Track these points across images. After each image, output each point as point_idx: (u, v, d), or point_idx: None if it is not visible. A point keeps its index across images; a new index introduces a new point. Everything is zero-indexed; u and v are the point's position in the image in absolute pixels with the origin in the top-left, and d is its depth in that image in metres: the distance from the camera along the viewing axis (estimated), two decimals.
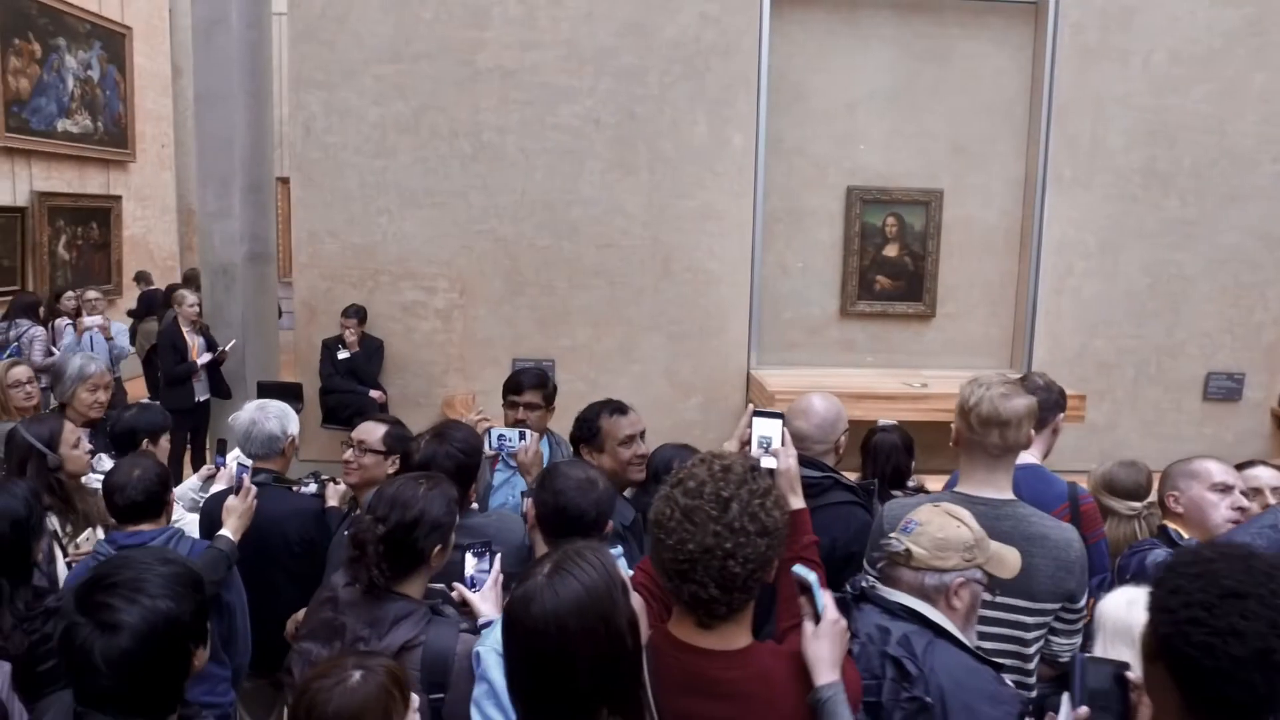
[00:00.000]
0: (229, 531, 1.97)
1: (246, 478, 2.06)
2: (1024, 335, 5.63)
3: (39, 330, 5.22)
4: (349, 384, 5.24)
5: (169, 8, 10.36)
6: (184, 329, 5.21)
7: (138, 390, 7.33)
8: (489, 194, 5.37)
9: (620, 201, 5.39)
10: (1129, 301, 5.61)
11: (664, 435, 3.26)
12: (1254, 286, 5.61)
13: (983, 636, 1.61)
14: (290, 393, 5.40)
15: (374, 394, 5.27)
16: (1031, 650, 1.67)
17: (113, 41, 9.12)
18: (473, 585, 1.79)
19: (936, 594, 1.52)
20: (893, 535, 1.58)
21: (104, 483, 2.10)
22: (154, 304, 7.67)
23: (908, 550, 1.54)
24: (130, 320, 8.24)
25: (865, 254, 5.61)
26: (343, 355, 5.23)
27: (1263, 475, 2.07)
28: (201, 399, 5.27)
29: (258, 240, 5.56)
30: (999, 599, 1.63)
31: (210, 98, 5.29)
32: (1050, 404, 2.39)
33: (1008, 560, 1.57)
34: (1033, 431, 2.19)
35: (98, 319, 5.42)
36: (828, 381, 5.22)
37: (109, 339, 5.50)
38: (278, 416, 2.37)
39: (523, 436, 2.44)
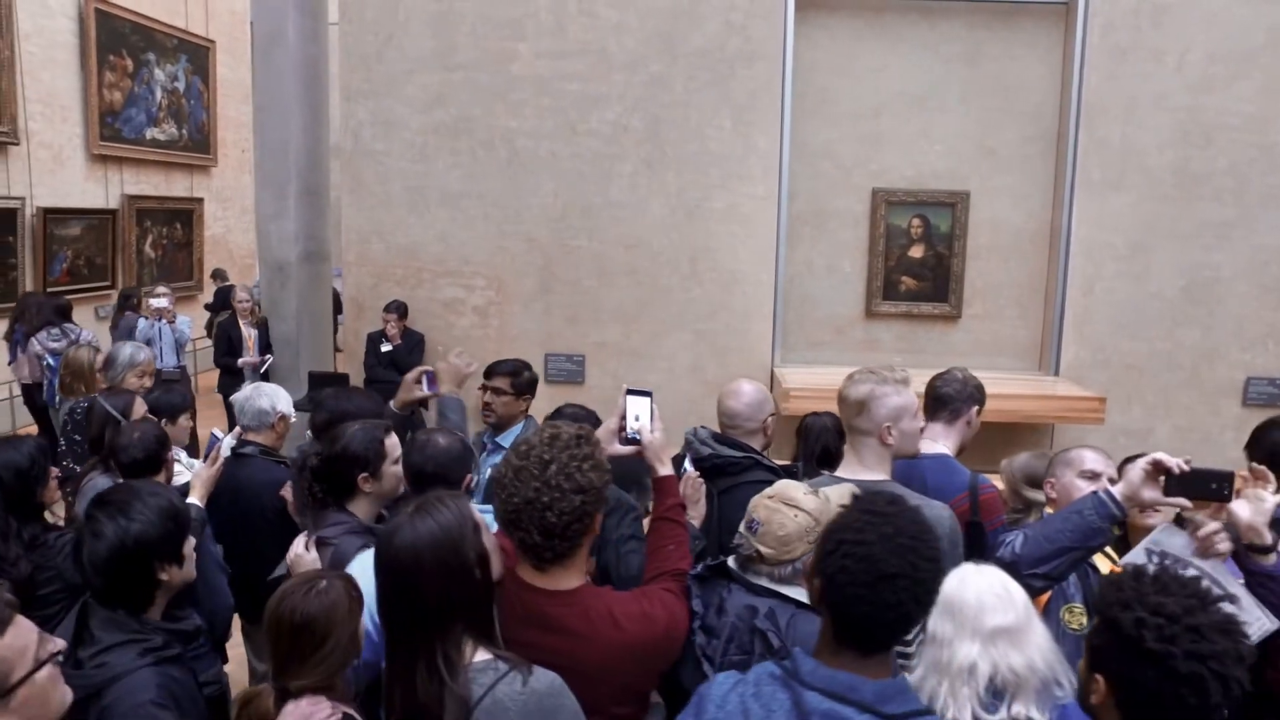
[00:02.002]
0: (195, 499, 2.28)
1: (219, 448, 2.36)
2: (1052, 337, 5.61)
3: (88, 332, 5.82)
4: (391, 375, 5.59)
5: (250, 21, 11.06)
6: (240, 322, 5.66)
7: (210, 382, 7.89)
8: (523, 197, 5.65)
9: (648, 204, 5.60)
10: (1162, 304, 5.53)
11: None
12: None
13: None
14: (338, 383, 5.85)
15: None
16: None
17: (198, 55, 9.81)
18: None
19: (795, 576, 1.70)
20: (742, 533, 1.75)
21: (110, 442, 2.46)
22: (228, 299, 8.26)
23: (758, 552, 1.72)
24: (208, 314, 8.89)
25: (890, 255, 5.68)
26: (385, 348, 5.60)
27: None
28: None
29: (312, 240, 5.97)
30: None
31: (269, 108, 5.72)
32: (965, 397, 2.50)
33: None
34: (946, 424, 2.33)
35: (164, 301, 5.95)
36: (838, 379, 5.34)
37: (171, 323, 6.03)
38: (269, 395, 2.69)
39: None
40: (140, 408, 2.76)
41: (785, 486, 1.78)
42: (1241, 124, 5.34)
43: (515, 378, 2.96)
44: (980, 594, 1.46)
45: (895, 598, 1.23)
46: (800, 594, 1.67)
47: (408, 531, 1.44)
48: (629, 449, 1.87)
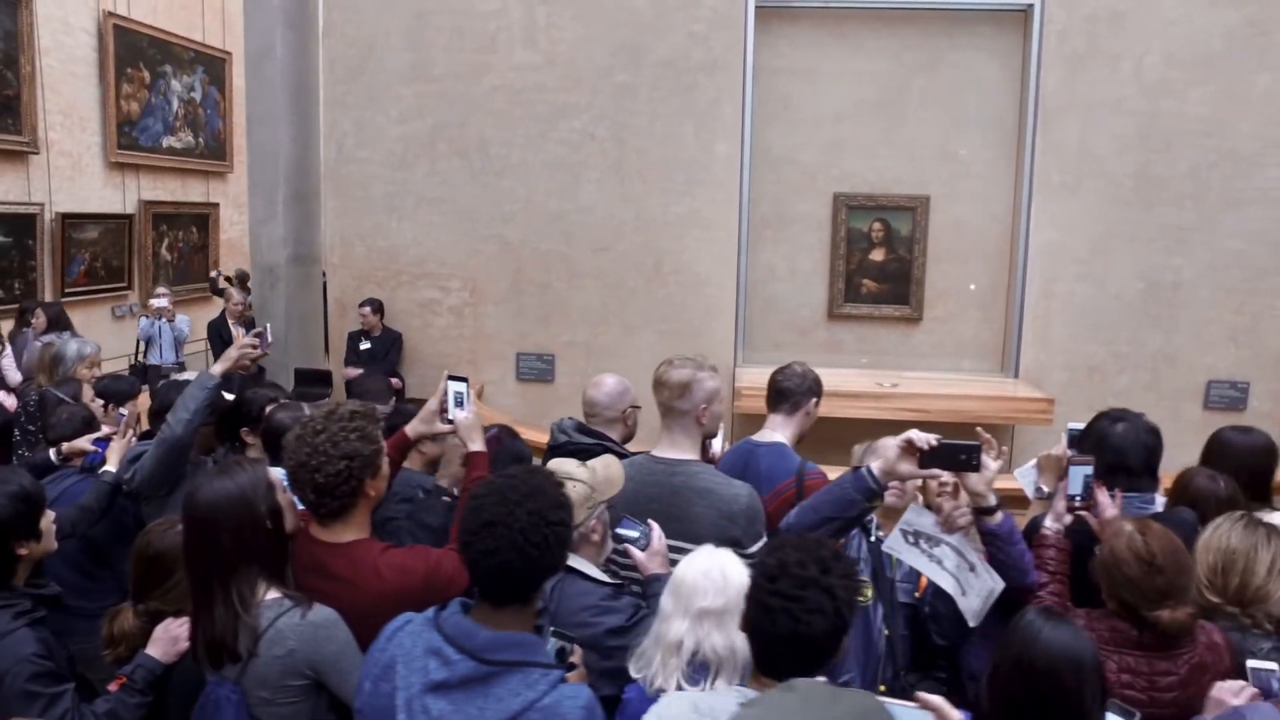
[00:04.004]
0: (110, 465, 2.55)
1: (126, 421, 2.66)
2: (1012, 340, 5.69)
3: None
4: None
5: None
6: (230, 321, 5.97)
7: None
8: (496, 202, 5.88)
9: (614, 209, 5.80)
10: (1123, 307, 5.59)
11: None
12: (1260, 293, 5.48)
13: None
14: (321, 379, 6.14)
15: (393, 381, 5.86)
16: None
17: (214, 66, 10.21)
18: None
19: (580, 541, 1.88)
20: None
21: (43, 423, 2.75)
22: None
23: None
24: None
25: (851, 258, 5.81)
26: (364, 346, 5.86)
27: None
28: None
29: (301, 243, 6.26)
30: (672, 542, 1.97)
31: (259, 119, 6.03)
32: (804, 390, 2.66)
33: (614, 477, 1.94)
34: (786, 415, 2.50)
35: (163, 301, 6.30)
36: None
37: (171, 321, 6.37)
38: None
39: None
40: (88, 394, 3.05)
41: (560, 463, 1.98)
42: (1201, 128, 5.38)
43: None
44: (697, 576, 1.62)
45: (494, 544, 1.38)
46: (574, 560, 1.85)
47: (207, 490, 1.69)
48: (448, 428, 2.10)
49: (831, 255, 5.82)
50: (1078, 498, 2.10)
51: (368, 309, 5.83)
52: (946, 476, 1.92)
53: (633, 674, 1.64)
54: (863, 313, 5.86)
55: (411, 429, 2.12)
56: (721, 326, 5.82)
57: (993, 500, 1.90)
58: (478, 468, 2.02)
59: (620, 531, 2.00)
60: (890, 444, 1.89)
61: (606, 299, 5.89)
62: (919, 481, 2.05)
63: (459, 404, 2.11)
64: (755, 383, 5.35)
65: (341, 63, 5.92)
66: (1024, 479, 2.54)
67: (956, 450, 1.85)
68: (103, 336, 8.38)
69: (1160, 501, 2.35)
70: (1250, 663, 1.73)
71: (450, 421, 2.10)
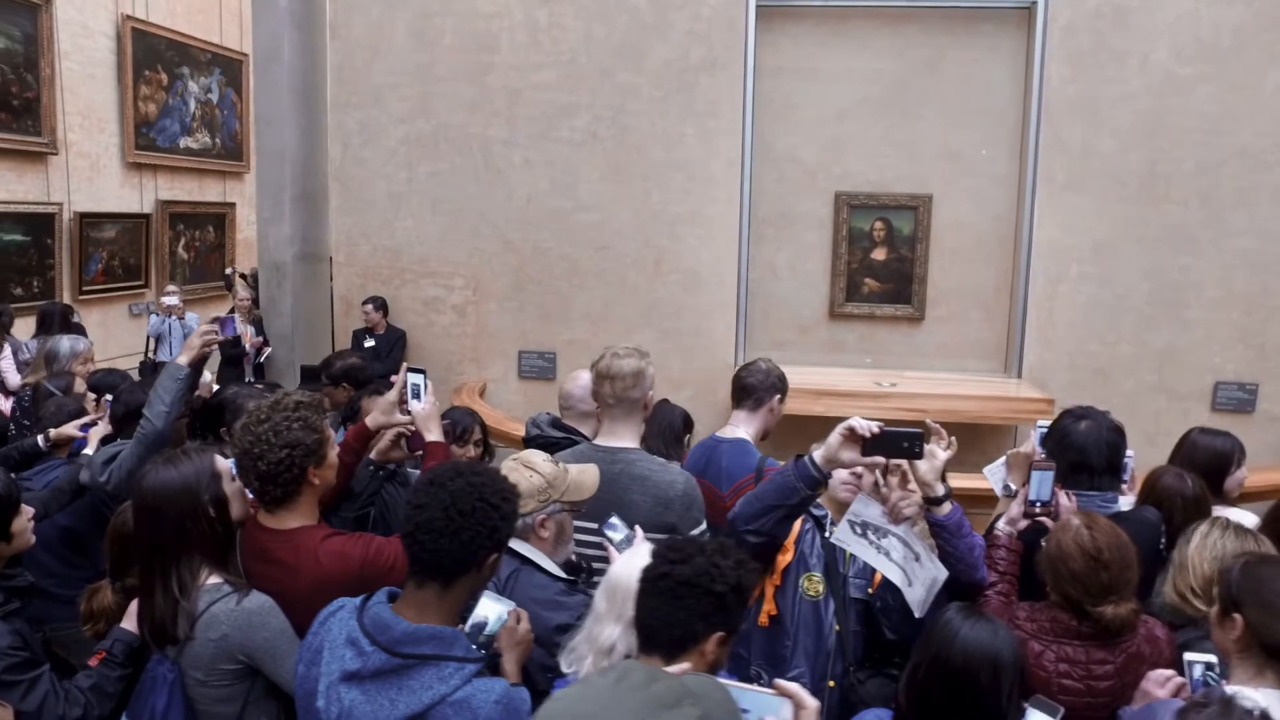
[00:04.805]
0: (90, 450, 2.64)
1: (106, 406, 2.76)
2: (1015, 339, 5.64)
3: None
4: (372, 367, 5.92)
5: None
6: (237, 318, 6.07)
7: None
8: (498, 201, 5.93)
9: (615, 208, 5.82)
10: (1128, 307, 5.51)
11: None
12: (1269, 293, 5.39)
13: (603, 561, 1.96)
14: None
15: (394, 379, 5.92)
16: None
17: (230, 68, 10.36)
18: None
19: (526, 531, 1.89)
20: None
21: (35, 414, 2.84)
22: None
23: None
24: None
25: (853, 257, 5.78)
26: (369, 343, 5.93)
27: None
28: (249, 380, 6.13)
29: (308, 242, 6.34)
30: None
31: (267, 119, 6.12)
32: (767, 387, 2.65)
33: (585, 484, 1.93)
34: (750, 412, 2.50)
35: (174, 299, 6.41)
36: (799, 377, 5.44)
37: (181, 319, 6.49)
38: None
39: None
40: (80, 387, 3.13)
41: (530, 453, 1.99)
42: (1209, 126, 5.30)
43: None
44: (631, 580, 1.62)
45: (425, 499, 1.43)
46: (526, 549, 1.87)
47: (152, 477, 1.74)
48: (406, 419, 2.13)
49: (833, 254, 5.80)
50: (1038, 503, 2.07)
51: (370, 306, 5.91)
52: (906, 467, 1.91)
53: (563, 669, 1.65)
54: (865, 312, 5.84)
55: (372, 420, 2.15)
56: (723, 325, 5.82)
57: (940, 490, 1.89)
58: (434, 456, 2.05)
59: (606, 531, 2.01)
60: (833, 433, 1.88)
61: (608, 297, 5.91)
62: (876, 474, 2.04)
63: (416, 395, 2.14)
64: None
65: (347, 64, 6.00)
66: (993, 476, 2.52)
67: (899, 438, 1.83)
68: (119, 334, 8.56)
69: (1125, 501, 2.32)
70: (1186, 655, 1.71)
71: (409, 413, 2.13)
